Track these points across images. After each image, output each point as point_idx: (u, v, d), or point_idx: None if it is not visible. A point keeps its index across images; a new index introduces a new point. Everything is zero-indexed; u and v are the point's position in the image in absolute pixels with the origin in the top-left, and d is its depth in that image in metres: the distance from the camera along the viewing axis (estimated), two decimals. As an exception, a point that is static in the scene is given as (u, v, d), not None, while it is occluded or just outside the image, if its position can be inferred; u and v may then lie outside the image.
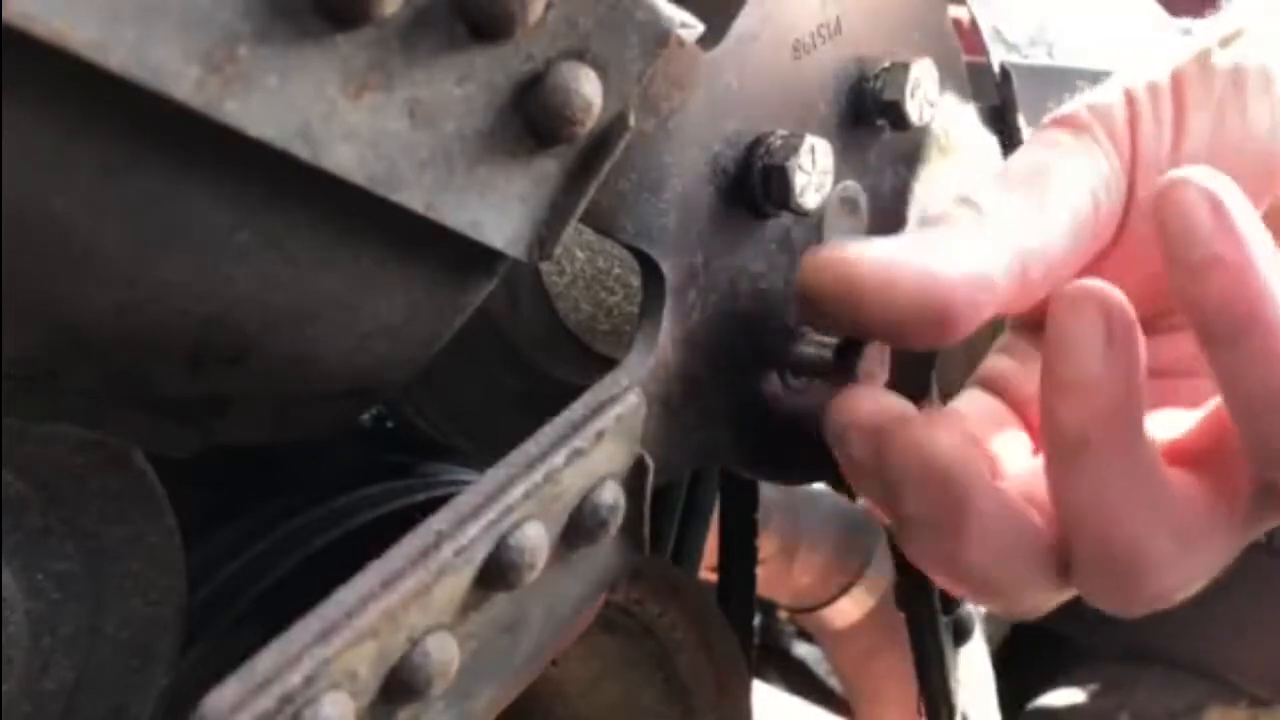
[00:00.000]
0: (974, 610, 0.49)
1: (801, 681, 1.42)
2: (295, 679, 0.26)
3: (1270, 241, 0.30)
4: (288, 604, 0.26)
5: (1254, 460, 0.31)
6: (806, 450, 0.38)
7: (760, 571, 0.72)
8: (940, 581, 0.36)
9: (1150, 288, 0.33)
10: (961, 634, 0.48)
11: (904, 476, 0.32)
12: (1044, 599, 0.34)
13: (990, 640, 0.72)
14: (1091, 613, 0.35)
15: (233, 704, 0.25)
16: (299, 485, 0.53)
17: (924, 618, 0.47)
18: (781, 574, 1.08)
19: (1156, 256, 0.31)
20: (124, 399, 0.29)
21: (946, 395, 0.45)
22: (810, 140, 0.33)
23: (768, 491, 0.86)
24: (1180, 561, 0.32)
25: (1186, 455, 0.33)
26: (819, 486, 1.13)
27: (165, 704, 0.40)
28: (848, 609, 1.12)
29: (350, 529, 0.51)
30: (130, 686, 0.39)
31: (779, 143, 0.33)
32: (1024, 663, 1.10)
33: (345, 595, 0.27)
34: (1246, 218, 0.29)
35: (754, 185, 0.33)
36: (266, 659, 0.26)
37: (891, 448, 0.32)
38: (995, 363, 0.39)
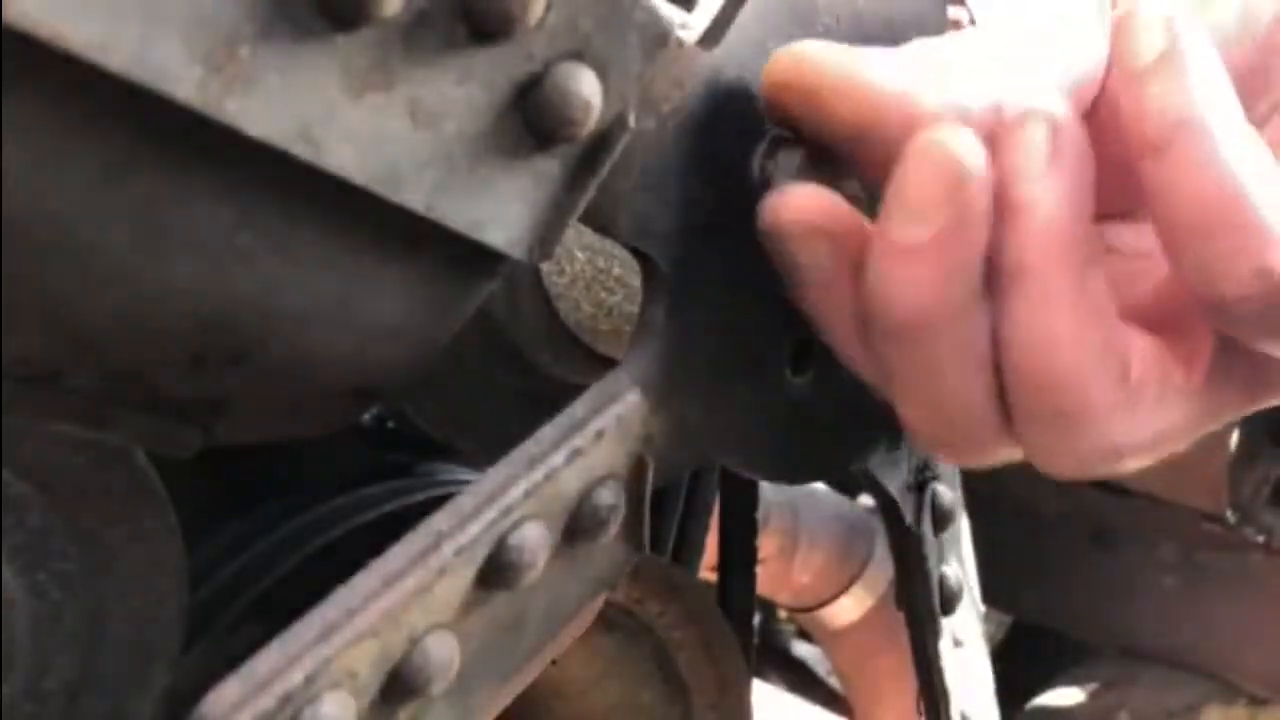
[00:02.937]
0: (963, 578, 0.48)
1: (801, 681, 1.42)
2: (296, 678, 0.26)
3: (1224, 73, 0.29)
4: (288, 603, 0.26)
5: (1193, 284, 0.30)
6: (807, 450, 0.38)
7: (760, 571, 0.72)
8: (891, 364, 0.32)
9: (1124, 163, 0.33)
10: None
11: (918, 175, 0.29)
12: (986, 421, 0.32)
13: (990, 640, 0.72)
14: (1091, 612, 0.34)
15: (233, 703, 0.25)
16: (299, 485, 0.53)
17: (923, 617, 0.47)
18: (781, 574, 1.08)
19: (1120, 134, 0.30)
20: (125, 399, 0.29)
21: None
22: (787, 152, 0.33)
23: (768, 491, 0.86)
24: (1128, 415, 0.30)
25: (1142, 317, 0.32)
26: (819, 486, 1.13)
27: (165, 703, 0.40)
28: (848, 608, 1.13)
29: (350, 529, 0.51)
30: (131, 685, 0.39)
31: (778, 142, 0.33)
32: (1024, 662, 1.10)
33: (346, 594, 0.27)
34: (1198, 42, 0.29)
35: (754, 185, 0.33)
36: (267, 658, 0.26)
37: (914, 148, 0.29)
38: None
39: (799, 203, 0.32)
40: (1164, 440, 0.32)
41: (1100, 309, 0.30)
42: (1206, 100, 0.29)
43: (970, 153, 0.28)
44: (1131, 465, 0.32)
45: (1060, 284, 0.29)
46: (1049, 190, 0.29)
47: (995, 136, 0.30)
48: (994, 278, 0.30)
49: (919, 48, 0.32)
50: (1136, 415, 0.31)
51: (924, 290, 0.29)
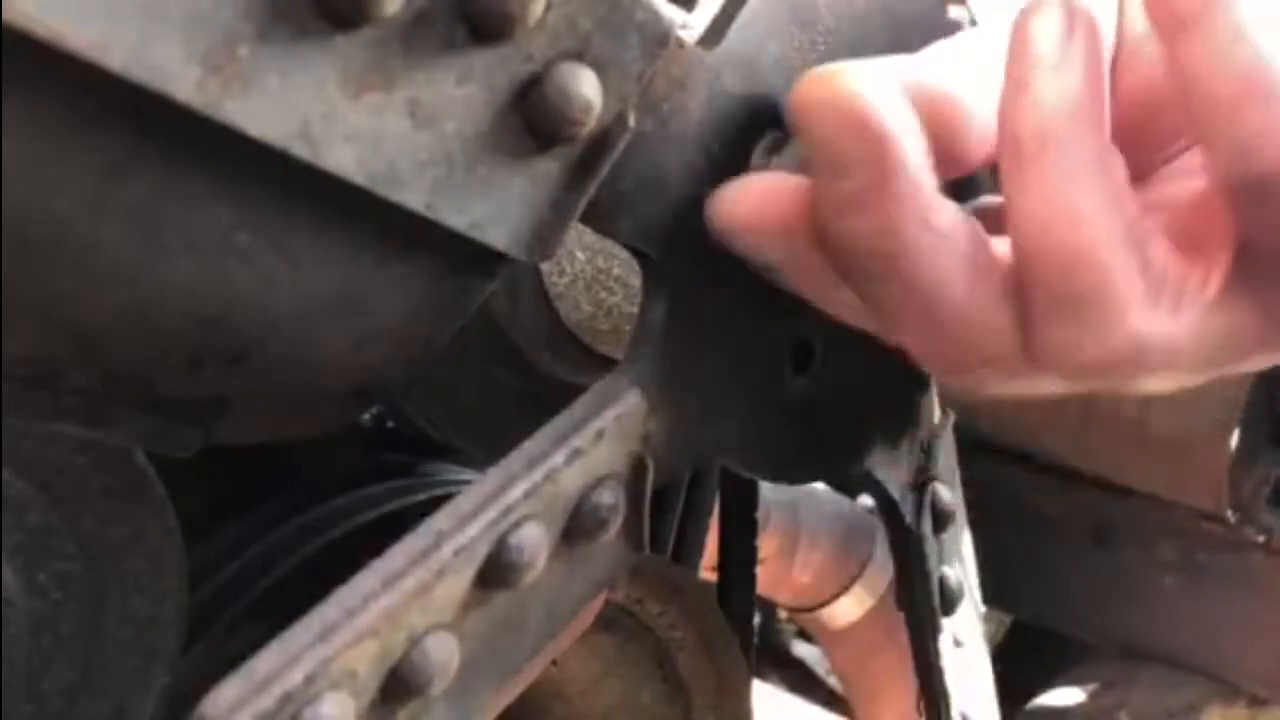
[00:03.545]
0: (963, 578, 0.48)
1: (801, 681, 1.42)
2: (296, 678, 0.26)
3: None
4: (288, 603, 0.26)
5: (1225, 163, 0.29)
6: (807, 450, 0.38)
7: (760, 571, 0.72)
8: (884, 301, 0.31)
9: (1137, 130, 0.33)
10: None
11: (820, 130, 0.29)
12: (999, 330, 0.31)
13: (990, 640, 0.72)
14: (1091, 612, 0.34)
15: (233, 703, 0.25)
16: (299, 485, 0.53)
17: (923, 618, 0.47)
18: (781, 574, 1.08)
19: (1139, 91, 0.30)
20: (124, 399, 0.29)
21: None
22: (791, 148, 0.33)
23: (768, 491, 0.86)
24: (1150, 309, 0.30)
25: (1162, 229, 0.31)
26: (819, 486, 1.13)
27: (165, 703, 0.40)
28: (847, 609, 1.13)
29: (350, 529, 0.51)
30: (131, 685, 0.39)
31: (778, 143, 0.33)
32: (1024, 662, 1.10)
33: (345, 595, 0.27)
34: None
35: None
36: (267, 658, 0.26)
37: (807, 107, 0.29)
38: (989, 198, 0.37)
39: (737, 203, 0.32)
40: (1183, 352, 0.31)
41: (1121, 191, 0.29)
42: None
43: (867, 94, 0.28)
44: (1150, 375, 0.31)
45: (1081, 156, 0.29)
46: (1066, 67, 0.29)
47: (1014, 26, 0.29)
48: (1009, 156, 0.29)
49: (940, 52, 0.32)
50: (1158, 310, 0.30)
51: (884, 232, 0.29)
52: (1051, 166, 0.29)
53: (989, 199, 0.36)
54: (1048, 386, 0.33)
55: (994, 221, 0.32)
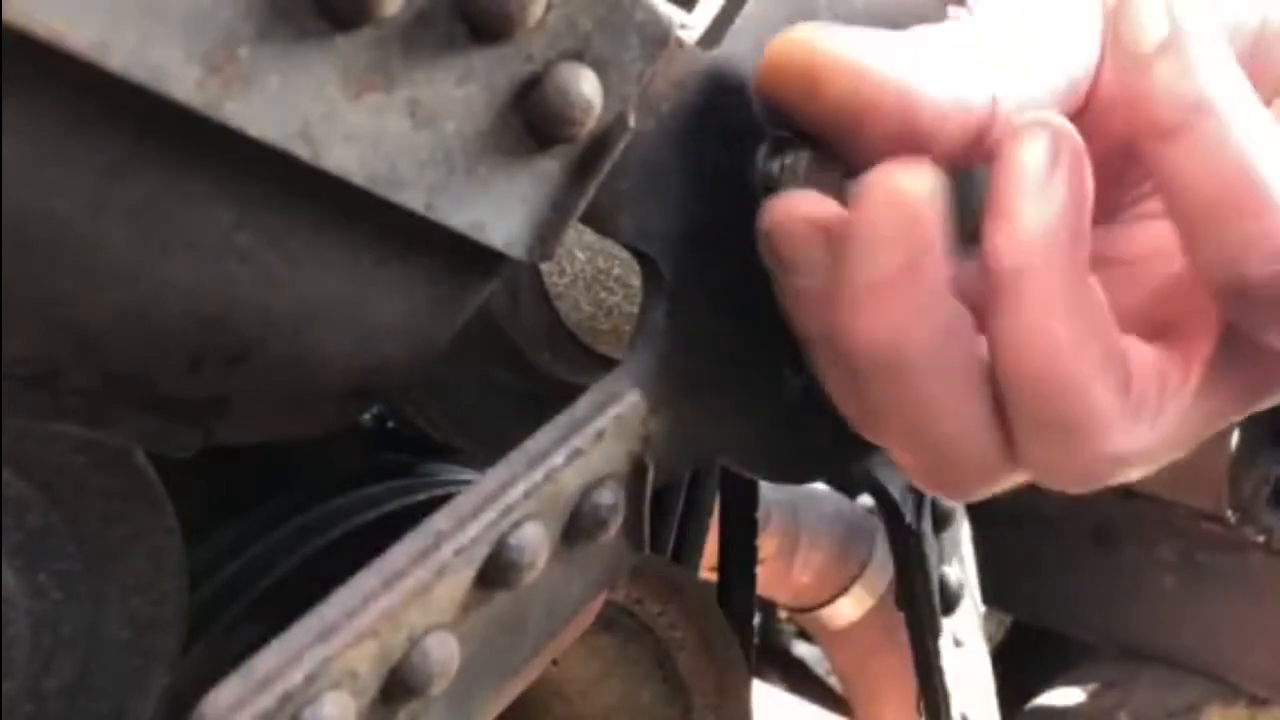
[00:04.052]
0: (964, 579, 0.48)
1: (801, 681, 1.42)
2: (296, 678, 0.26)
3: (1228, 51, 0.29)
4: (288, 603, 0.26)
5: (1210, 269, 0.29)
6: (807, 450, 0.38)
7: (760, 571, 0.72)
8: (878, 407, 0.32)
9: (1112, 165, 0.33)
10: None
11: (869, 215, 0.29)
12: (986, 447, 0.31)
13: (990, 640, 0.72)
14: (1091, 612, 0.34)
15: (233, 703, 0.25)
16: (299, 485, 0.53)
17: (924, 618, 0.47)
18: (781, 574, 1.08)
19: (1123, 123, 0.30)
20: (124, 399, 0.29)
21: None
22: (790, 155, 0.33)
23: (768, 491, 0.86)
24: (1130, 424, 0.30)
25: (1136, 323, 0.32)
26: (819, 486, 1.13)
27: (165, 703, 0.40)
28: (847, 609, 1.12)
29: (350, 529, 0.51)
30: (131, 686, 0.39)
31: (779, 144, 0.33)
32: (1024, 663, 1.10)
33: (346, 595, 0.27)
34: (1202, 23, 0.29)
35: (754, 186, 0.33)
36: (267, 658, 0.26)
37: (866, 190, 0.29)
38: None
39: (803, 205, 0.31)
40: (1167, 447, 0.31)
41: (1099, 318, 0.30)
42: (1217, 80, 0.29)
43: (924, 187, 0.28)
44: (1136, 474, 0.31)
45: (1058, 290, 0.29)
46: (1049, 199, 0.29)
47: (995, 144, 0.29)
48: (988, 288, 0.30)
49: (919, 34, 0.32)
50: (1139, 424, 0.30)
51: (894, 327, 0.29)
52: (1028, 298, 0.29)
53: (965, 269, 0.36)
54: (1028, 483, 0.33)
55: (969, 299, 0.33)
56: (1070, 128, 0.29)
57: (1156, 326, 0.32)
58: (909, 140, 0.31)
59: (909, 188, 0.28)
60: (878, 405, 0.32)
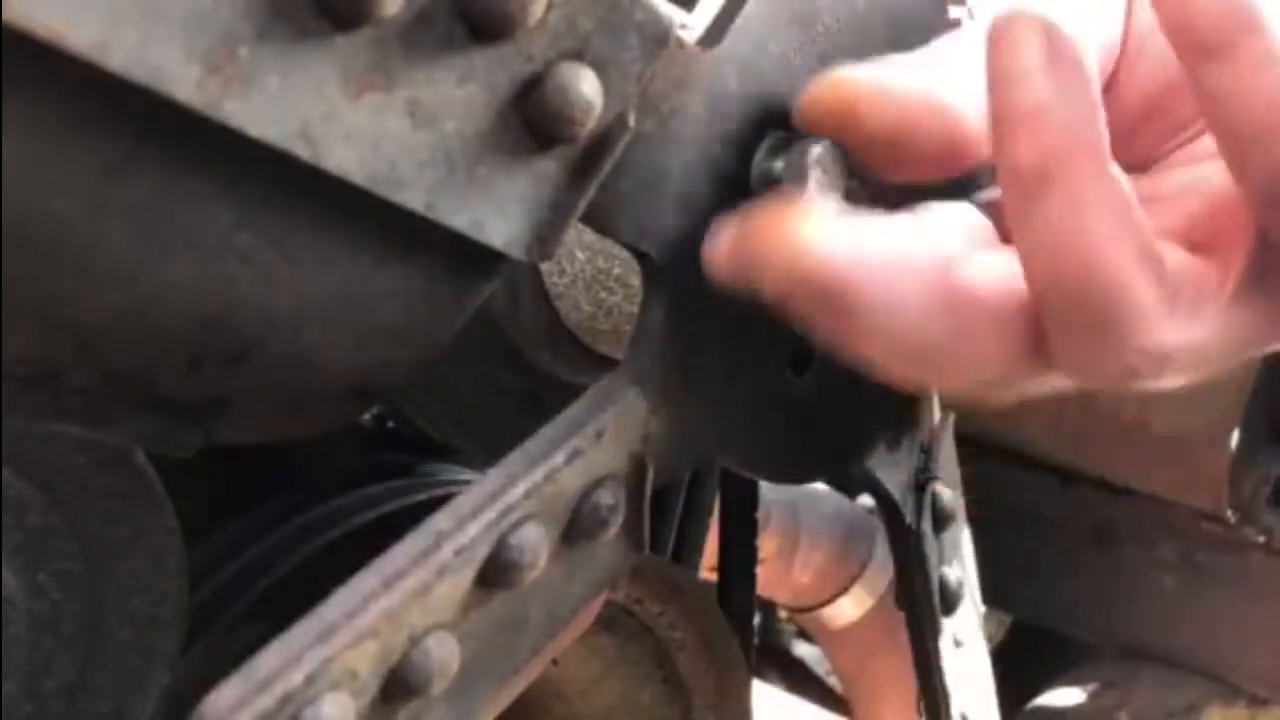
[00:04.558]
0: (966, 583, 0.48)
1: (801, 681, 1.42)
2: (296, 678, 0.26)
3: None
4: (288, 603, 0.26)
5: (1258, 187, 0.29)
6: (807, 450, 0.38)
7: (760, 571, 0.72)
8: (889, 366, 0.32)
9: (1141, 120, 0.33)
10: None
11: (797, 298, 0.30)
12: (1003, 369, 0.31)
13: (990, 640, 0.72)
14: (1091, 612, 0.34)
15: (233, 703, 0.25)
16: (299, 485, 0.53)
17: (924, 618, 0.47)
18: (781, 574, 1.08)
19: (1152, 78, 0.30)
20: (125, 399, 0.29)
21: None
22: (799, 146, 0.33)
23: (768, 491, 0.86)
24: (1168, 316, 0.30)
25: (1171, 235, 0.31)
26: (819, 486, 1.13)
27: (165, 703, 0.40)
28: (847, 609, 1.12)
29: (350, 529, 0.51)
30: (131, 686, 0.39)
31: (779, 143, 0.33)
32: (1024, 663, 1.10)
33: (346, 595, 0.27)
34: None
35: (754, 185, 0.33)
36: (267, 658, 0.26)
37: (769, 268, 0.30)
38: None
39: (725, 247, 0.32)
40: (1205, 350, 0.31)
41: (1129, 208, 0.29)
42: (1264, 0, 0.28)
43: (820, 259, 0.29)
44: (1175, 377, 0.31)
45: (1089, 181, 0.29)
46: (1060, 90, 0.28)
47: (988, 54, 0.29)
48: (1012, 191, 0.29)
49: (940, 50, 0.32)
50: (1176, 318, 0.30)
51: (867, 337, 0.30)
52: (1055, 198, 0.29)
53: (994, 194, 0.36)
54: (1061, 384, 0.33)
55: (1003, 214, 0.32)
56: (1051, 18, 0.29)
57: (1190, 246, 0.32)
58: (952, 156, 0.31)
59: (815, 268, 0.29)
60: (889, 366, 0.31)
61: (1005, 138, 0.29)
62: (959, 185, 0.35)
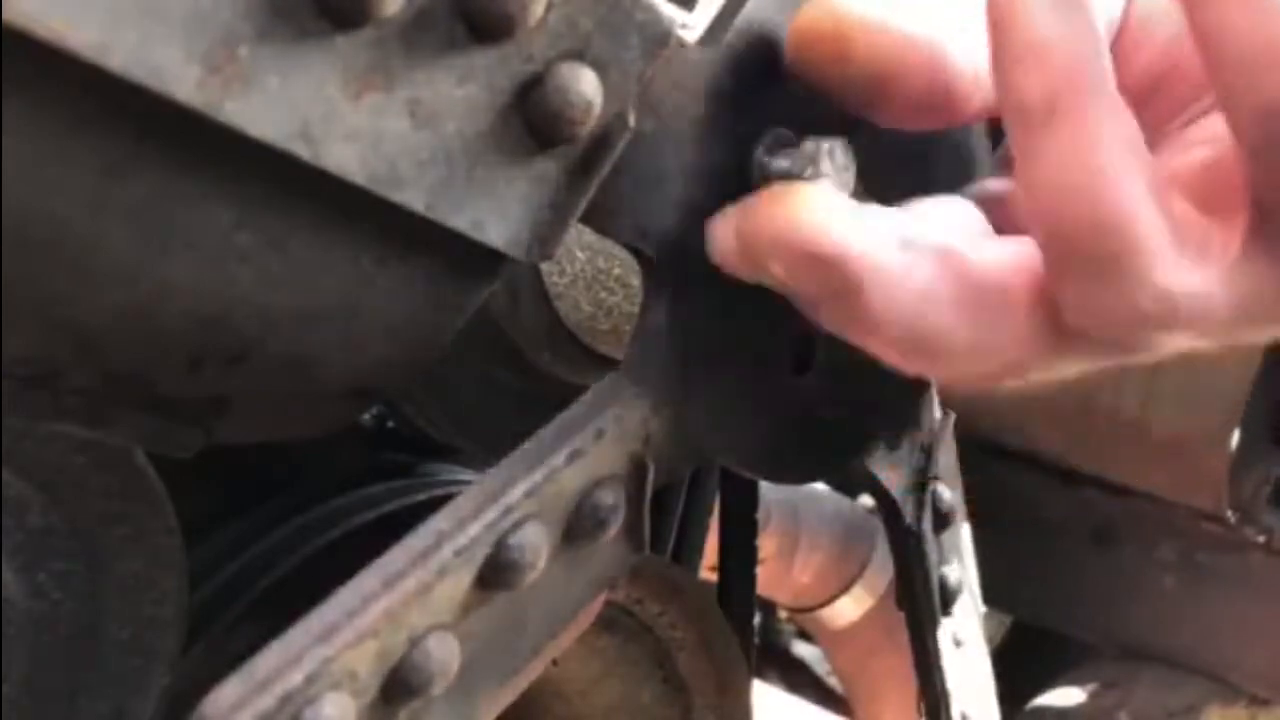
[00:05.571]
0: (963, 577, 0.48)
1: (801, 681, 1.42)
2: (296, 678, 0.26)
3: None
4: (288, 603, 0.26)
5: (1247, 120, 0.29)
6: (807, 450, 0.38)
7: (760, 571, 0.72)
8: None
9: (1144, 97, 0.32)
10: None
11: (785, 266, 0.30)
12: (1013, 350, 0.31)
13: (990, 640, 0.72)
14: (1092, 612, 0.33)
15: (233, 703, 0.25)
16: (299, 485, 0.53)
17: (924, 618, 0.47)
18: (781, 574, 1.08)
19: (1154, 58, 0.30)
20: (125, 399, 0.29)
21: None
22: (811, 142, 0.33)
23: (768, 491, 0.86)
24: (1176, 259, 0.29)
25: (1180, 191, 0.31)
26: (819, 486, 1.13)
27: (165, 703, 0.40)
28: (847, 609, 1.13)
29: (350, 529, 0.51)
30: (131, 685, 0.39)
31: (779, 141, 0.33)
32: (1024, 663, 1.10)
33: (346, 595, 0.27)
34: None
35: (754, 185, 0.33)
36: (267, 658, 0.26)
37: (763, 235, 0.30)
38: (991, 182, 0.36)
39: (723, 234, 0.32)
40: (1210, 304, 0.30)
41: (1137, 144, 0.29)
42: None
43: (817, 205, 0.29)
44: (1181, 332, 0.30)
45: (1096, 114, 0.28)
46: (1062, 22, 0.28)
47: None
48: (1018, 126, 0.29)
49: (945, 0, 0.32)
50: (1184, 262, 0.29)
51: (863, 326, 0.29)
52: (1064, 130, 0.28)
53: (991, 185, 0.36)
54: (1072, 367, 0.32)
55: (998, 209, 0.32)
56: None
57: (1191, 186, 0.31)
58: (939, 101, 0.31)
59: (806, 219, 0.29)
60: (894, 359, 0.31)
61: (1009, 73, 0.29)
62: (960, 183, 0.35)
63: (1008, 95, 0.29)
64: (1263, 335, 0.32)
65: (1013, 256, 0.31)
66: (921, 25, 0.31)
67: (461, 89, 0.27)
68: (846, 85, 0.32)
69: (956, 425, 0.45)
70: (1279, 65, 0.28)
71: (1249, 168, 0.30)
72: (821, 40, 0.31)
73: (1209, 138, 0.33)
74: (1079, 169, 0.28)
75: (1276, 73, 0.28)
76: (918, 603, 0.46)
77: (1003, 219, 0.34)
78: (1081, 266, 0.29)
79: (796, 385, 0.37)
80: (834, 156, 0.32)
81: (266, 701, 0.25)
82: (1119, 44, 0.34)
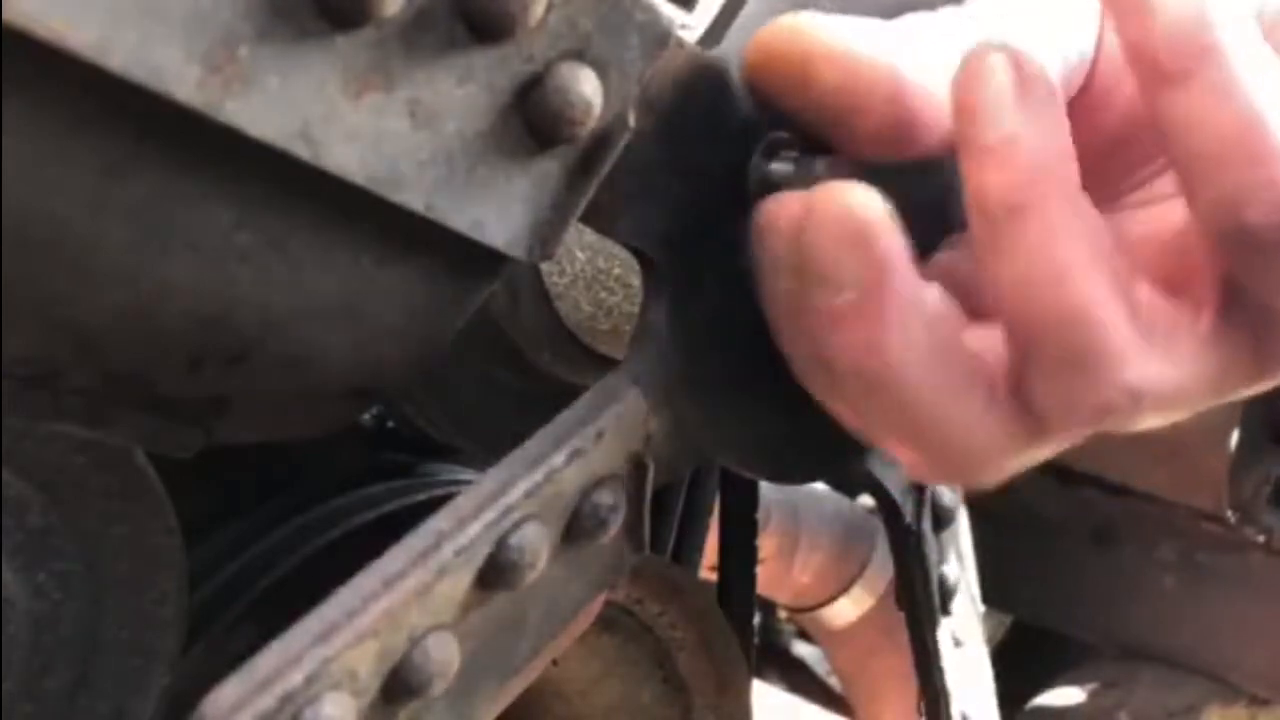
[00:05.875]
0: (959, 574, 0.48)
1: (801, 681, 1.42)
2: (296, 678, 0.26)
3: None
4: (288, 603, 0.26)
5: (1213, 217, 0.29)
6: (807, 450, 0.38)
7: (760, 571, 0.72)
8: (870, 415, 0.31)
9: (1111, 152, 0.32)
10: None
11: (821, 241, 0.29)
12: (991, 435, 0.31)
13: (990, 640, 0.72)
14: (1092, 612, 0.33)
15: (233, 703, 0.25)
16: (299, 485, 0.53)
17: (923, 617, 0.47)
18: (781, 574, 1.08)
19: (1120, 105, 0.30)
20: (124, 399, 0.29)
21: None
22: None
23: (768, 491, 0.86)
24: (1144, 354, 0.29)
25: (1141, 275, 0.31)
26: (819, 486, 1.13)
27: (165, 703, 0.40)
28: (847, 609, 1.13)
29: (350, 529, 0.51)
30: (131, 686, 0.39)
31: (777, 144, 0.33)
32: (1024, 662, 1.10)
33: (346, 595, 0.27)
34: None
35: (752, 186, 0.33)
36: (267, 658, 0.26)
37: (811, 214, 0.29)
38: (946, 255, 0.36)
39: (790, 206, 0.31)
40: (1181, 389, 0.30)
41: (1101, 240, 0.29)
42: (1225, 28, 0.28)
43: (873, 207, 0.28)
44: (1153, 416, 0.31)
45: (1057, 215, 0.28)
46: (1030, 122, 0.28)
47: (956, 87, 0.29)
48: (982, 224, 0.29)
49: (911, 23, 0.31)
50: (1151, 355, 0.29)
51: (869, 345, 0.29)
52: (1027, 230, 0.28)
53: (954, 258, 0.35)
54: (1042, 456, 0.33)
55: (963, 286, 0.32)
56: (1023, 51, 0.29)
57: (1159, 268, 0.31)
58: (901, 130, 0.30)
59: (858, 207, 0.28)
60: (870, 415, 0.31)
61: (975, 169, 0.28)
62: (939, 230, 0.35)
63: (973, 189, 0.29)
64: (1237, 398, 0.33)
65: (990, 341, 0.31)
66: (886, 49, 0.30)
67: (461, 89, 0.27)
68: (806, 111, 0.31)
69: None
70: (1241, 161, 0.28)
71: (1214, 251, 0.30)
72: (782, 63, 0.31)
73: (1171, 192, 0.33)
74: (1042, 267, 0.28)
75: (1237, 169, 0.28)
76: (917, 602, 0.46)
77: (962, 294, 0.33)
78: (1048, 361, 0.29)
79: (797, 385, 0.37)
80: (834, 163, 0.32)
81: (266, 701, 0.25)
82: (1089, 91, 0.34)
